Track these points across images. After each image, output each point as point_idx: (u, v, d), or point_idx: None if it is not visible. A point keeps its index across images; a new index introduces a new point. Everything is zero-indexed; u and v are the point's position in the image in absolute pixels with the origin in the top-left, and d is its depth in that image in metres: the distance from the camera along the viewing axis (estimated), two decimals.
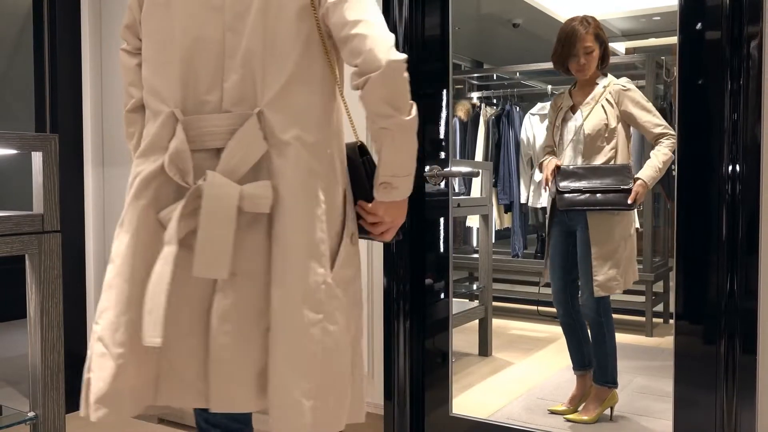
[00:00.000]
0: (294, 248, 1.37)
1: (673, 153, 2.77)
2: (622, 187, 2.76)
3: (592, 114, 2.83)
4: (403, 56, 1.33)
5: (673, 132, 2.76)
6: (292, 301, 1.36)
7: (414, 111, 1.38)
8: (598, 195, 2.78)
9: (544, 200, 4.85)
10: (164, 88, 1.44)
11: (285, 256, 1.36)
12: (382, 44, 1.32)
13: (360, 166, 1.50)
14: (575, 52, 2.83)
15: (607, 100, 2.83)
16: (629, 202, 2.74)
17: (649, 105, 2.84)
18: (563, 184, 2.83)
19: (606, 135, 2.82)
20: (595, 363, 2.93)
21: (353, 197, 1.53)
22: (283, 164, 1.38)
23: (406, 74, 1.34)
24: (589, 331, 2.95)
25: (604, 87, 2.85)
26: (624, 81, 2.88)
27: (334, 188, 1.45)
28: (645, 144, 4.35)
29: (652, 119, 2.80)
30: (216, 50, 1.41)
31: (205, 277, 1.35)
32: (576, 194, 2.80)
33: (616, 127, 2.82)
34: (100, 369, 1.40)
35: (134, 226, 1.41)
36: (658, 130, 2.79)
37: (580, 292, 2.94)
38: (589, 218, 2.82)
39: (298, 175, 1.38)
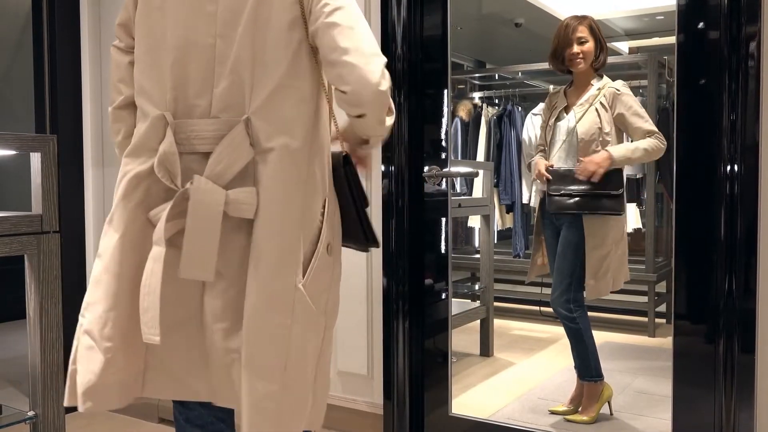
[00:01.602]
0: (267, 253, 1.39)
1: (654, 151, 2.74)
2: (612, 192, 2.75)
3: (585, 117, 2.83)
4: (389, 84, 1.39)
5: (662, 135, 2.77)
6: (259, 304, 1.39)
7: (392, 108, 1.48)
8: (588, 199, 2.77)
9: (532, 200, 4.86)
10: (155, 90, 1.46)
11: (258, 260, 1.39)
12: (371, 76, 1.36)
13: (343, 177, 1.53)
14: (569, 42, 2.85)
15: (601, 103, 2.81)
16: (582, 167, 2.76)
17: (642, 110, 2.81)
18: (554, 187, 2.82)
19: (600, 139, 2.80)
20: (576, 360, 2.94)
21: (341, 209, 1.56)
22: (267, 171, 1.41)
23: (389, 96, 1.42)
24: (565, 329, 2.96)
25: (599, 89, 2.84)
26: (619, 84, 2.86)
27: (312, 196, 1.47)
28: None
29: (643, 125, 2.78)
30: (207, 56, 1.42)
31: (191, 278, 1.39)
32: (566, 198, 2.79)
33: (610, 131, 2.81)
34: (88, 362, 1.44)
35: (123, 225, 1.45)
36: (646, 135, 2.77)
37: (553, 290, 2.94)
38: (585, 222, 2.81)
39: (279, 182, 1.41)
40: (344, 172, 1.52)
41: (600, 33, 2.88)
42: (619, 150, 2.77)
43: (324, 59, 1.41)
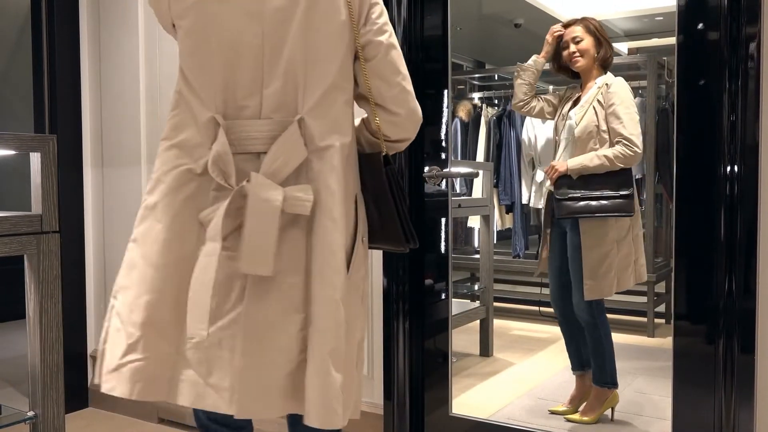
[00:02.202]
0: (333, 248, 1.41)
1: (619, 158, 2.70)
2: (621, 192, 2.74)
3: (584, 116, 2.83)
4: None
5: (630, 142, 2.70)
6: (333, 298, 1.41)
7: None
8: (595, 202, 2.76)
9: (532, 201, 4.85)
10: (203, 91, 1.45)
11: (325, 255, 1.41)
12: (418, 108, 1.55)
13: (384, 177, 1.54)
14: (565, 43, 2.88)
15: (598, 100, 2.81)
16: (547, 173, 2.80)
17: (622, 111, 2.73)
18: (561, 190, 2.80)
19: (598, 137, 2.79)
20: (593, 364, 2.92)
21: (378, 209, 1.58)
22: (323, 168, 1.43)
23: None
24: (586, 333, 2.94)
25: (598, 87, 2.84)
26: (613, 80, 2.82)
27: (352, 191, 1.51)
28: (656, 145, 4.35)
29: (616, 126, 2.73)
30: (254, 57, 1.42)
31: (252, 273, 1.39)
32: (574, 201, 2.78)
33: (607, 128, 2.78)
34: (113, 344, 1.45)
35: (170, 216, 1.44)
36: (617, 138, 2.73)
37: (573, 294, 2.92)
38: (581, 222, 2.80)
39: (335, 178, 1.43)
40: (386, 171, 1.53)
41: (598, 30, 2.87)
42: (576, 159, 2.78)
43: (384, 78, 1.49)
